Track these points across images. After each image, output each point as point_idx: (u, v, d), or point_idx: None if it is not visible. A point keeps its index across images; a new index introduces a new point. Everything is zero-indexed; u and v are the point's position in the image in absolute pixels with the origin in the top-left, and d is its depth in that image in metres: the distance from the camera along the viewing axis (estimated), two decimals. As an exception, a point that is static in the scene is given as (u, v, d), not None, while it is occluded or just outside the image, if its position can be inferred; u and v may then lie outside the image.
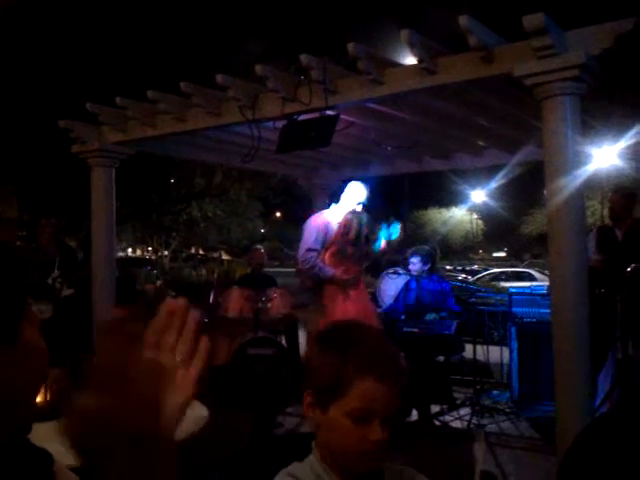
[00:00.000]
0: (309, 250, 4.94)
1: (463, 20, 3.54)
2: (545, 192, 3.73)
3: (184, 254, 26.62)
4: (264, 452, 1.73)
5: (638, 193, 5.56)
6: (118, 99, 5.25)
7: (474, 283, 15.28)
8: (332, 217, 5.06)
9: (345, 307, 4.84)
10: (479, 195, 32.89)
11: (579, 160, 3.62)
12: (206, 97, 4.82)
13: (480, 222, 39.73)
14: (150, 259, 24.14)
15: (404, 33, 3.78)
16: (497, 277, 21.13)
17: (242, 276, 7.76)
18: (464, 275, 21.84)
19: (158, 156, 8.63)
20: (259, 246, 7.90)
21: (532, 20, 3.44)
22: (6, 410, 0.67)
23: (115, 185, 5.78)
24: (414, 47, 3.85)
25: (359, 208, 5.09)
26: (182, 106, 5.02)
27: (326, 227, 4.98)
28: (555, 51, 3.47)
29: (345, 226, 4.98)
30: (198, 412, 2.36)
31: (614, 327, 4.94)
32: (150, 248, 32.60)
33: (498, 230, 38.74)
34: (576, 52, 3.46)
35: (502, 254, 45.65)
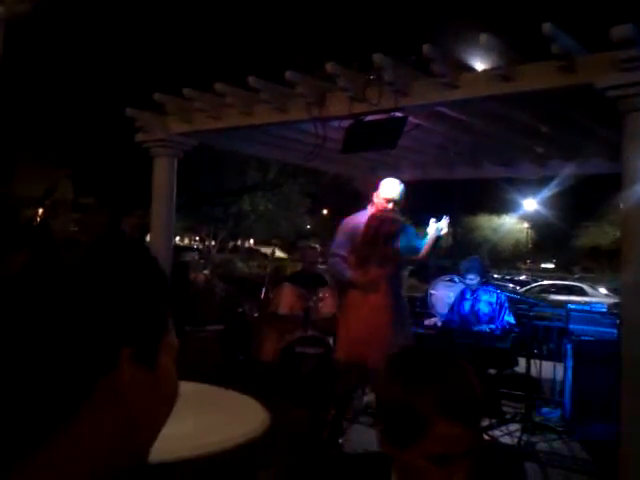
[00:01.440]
0: (333, 255, 4.90)
1: (547, 27, 3.43)
2: (621, 206, 3.59)
3: (230, 245, 26.85)
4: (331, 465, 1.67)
5: None
6: (185, 90, 5.28)
7: (525, 294, 14.98)
8: (363, 219, 4.86)
9: (360, 314, 4.65)
10: (531, 204, 32.30)
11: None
12: (273, 93, 4.80)
13: (530, 231, 39.02)
14: (198, 248, 24.41)
15: (483, 37, 3.69)
16: (546, 289, 20.68)
17: (293, 273, 7.75)
18: (512, 285, 21.46)
19: (217, 148, 8.69)
20: (314, 245, 7.87)
21: (620, 31, 3.32)
22: (139, 436, 0.63)
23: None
24: (492, 52, 3.76)
25: (390, 207, 4.81)
26: (249, 100, 5.00)
27: (353, 230, 4.83)
28: (642, 63, 3.34)
29: (368, 227, 4.72)
30: (259, 416, 2.31)
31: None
32: (198, 237, 33.02)
33: (548, 241, 37.98)
34: (665, 65, 3.32)
35: (550, 265, 44.73)
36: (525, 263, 43.63)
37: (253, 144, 6.19)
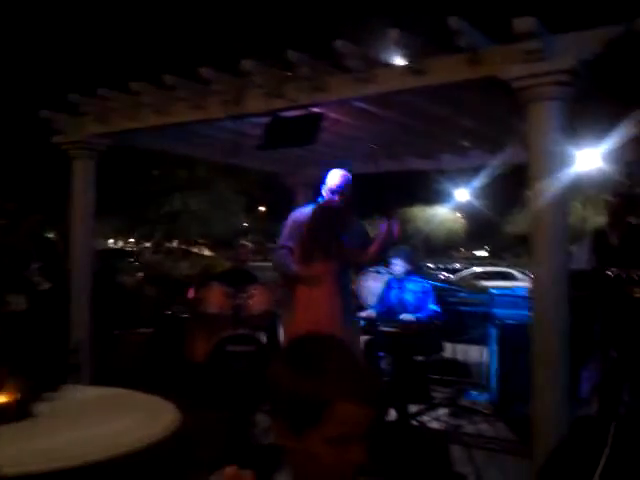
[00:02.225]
0: (280, 247, 4.71)
1: (453, 21, 3.51)
2: (528, 194, 3.71)
3: (166, 247, 26.44)
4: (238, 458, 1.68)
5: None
6: (100, 90, 5.18)
7: (456, 282, 15.33)
8: (309, 211, 4.66)
9: (306, 310, 4.47)
10: (463, 194, 32.97)
11: (563, 164, 3.61)
12: (190, 90, 4.76)
13: (463, 221, 39.86)
14: (131, 251, 23.93)
15: (393, 33, 3.75)
16: (479, 276, 21.21)
17: (222, 271, 7.70)
18: (445, 274, 21.92)
19: (138, 148, 8.55)
20: (245, 242, 7.84)
21: (522, 23, 3.43)
22: None
23: (97, 176, 5.70)
24: (402, 47, 3.83)
25: (336, 198, 4.61)
26: (165, 99, 4.95)
27: (299, 222, 4.64)
28: (544, 55, 3.46)
29: (312, 218, 4.54)
30: (167, 417, 2.30)
31: (596, 330, 4.95)
32: (132, 240, 32.34)
33: (481, 229, 38.89)
34: (565, 57, 3.44)
35: (484, 253, 45.87)
36: (459, 252, 44.59)
37: (174, 142, 6.12)
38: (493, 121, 5.36)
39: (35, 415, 2.71)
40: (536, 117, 3.55)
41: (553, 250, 3.51)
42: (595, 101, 4.90)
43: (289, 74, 4.40)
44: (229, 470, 0.98)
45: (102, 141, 5.60)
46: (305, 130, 4.55)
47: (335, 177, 4.65)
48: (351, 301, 4.77)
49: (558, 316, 3.48)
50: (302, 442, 1.22)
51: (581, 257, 5.01)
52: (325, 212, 4.54)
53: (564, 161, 3.65)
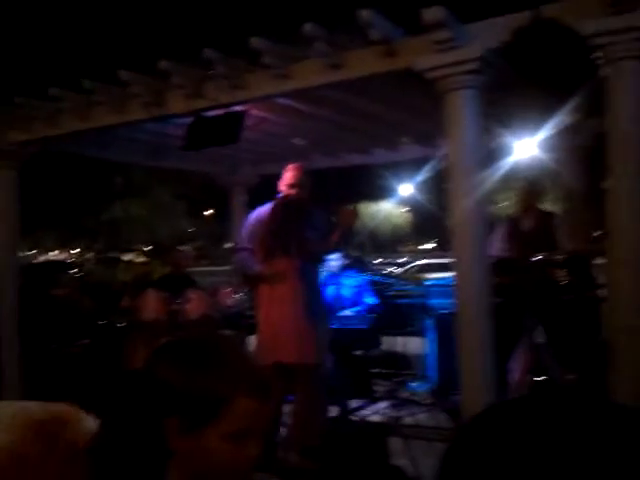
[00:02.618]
0: (239, 249, 4.63)
1: (364, 14, 3.52)
2: (449, 185, 3.75)
3: (109, 257, 25.99)
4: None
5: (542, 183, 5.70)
6: (18, 98, 5.02)
7: (401, 276, 15.46)
8: (268, 209, 4.60)
9: (269, 308, 4.42)
10: (407, 189, 33.31)
11: (482, 152, 3.66)
12: (109, 94, 4.66)
13: (408, 215, 40.32)
14: (73, 262, 23.39)
15: (307, 27, 3.74)
16: (423, 269, 21.43)
17: (160, 277, 7.57)
18: (391, 268, 22.10)
19: (75, 156, 8.35)
20: (183, 248, 7.72)
21: (431, 13, 3.45)
22: None
23: (27, 188, 5.53)
24: (318, 41, 3.82)
25: (294, 192, 4.51)
26: (85, 103, 4.83)
27: (257, 221, 4.55)
28: (454, 44, 3.50)
29: (271, 214, 4.48)
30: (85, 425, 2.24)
31: (523, 316, 5.06)
32: (76, 251, 31.65)
33: (426, 223, 39.39)
34: (474, 45, 3.49)
35: (431, 246, 46.47)
36: (407, 246, 45.08)
37: (99, 147, 5.98)
38: (419, 114, 5.40)
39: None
40: (451, 107, 3.60)
41: (472, 239, 3.56)
42: (522, 89, 5.00)
43: (208, 73, 4.34)
44: None
45: (23, 150, 5.43)
46: (228, 129, 4.50)
47: (291, 171, 4.58)
48: (318, 298, 4.62)
49: (480, 304, 3.53)
50: (197, 440, 1.20)
51: (495, 245, 5.11)
52: (283, 207, 4.49)
53: (482, 149, 3.70)
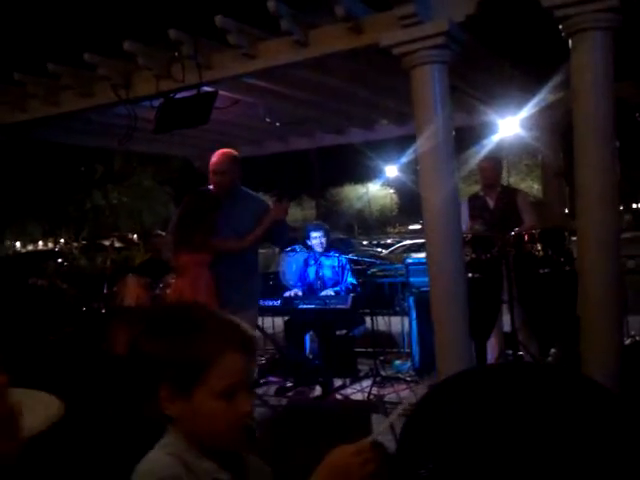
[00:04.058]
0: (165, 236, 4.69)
1: (329, -11, 3.48)
2: (418, 164, 3.74)
3: (92, 243, 25.88)
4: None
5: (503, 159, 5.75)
6: (-18, 83, 4.95)
7: (386, 257, 15.49)
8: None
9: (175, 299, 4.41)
10: (392, 170, 33.31)
11: (448, 126, 3.64)
12: (76, 77, 4.60)
13: (395, 196, 40.36)
14: (59, 251, 23.26)
15: (271, 4, 3.69)
16: (409, 249, 21.47)
17: (140, 263, 7.56)
18: (379, 249, 22.13)
19: (53, 144, 8.27)
20: (161, 232, 7.69)
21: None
22: None
23: (8, 178, 5.48)
24: (283, 19, 3.77)
25: (217, 179, 4.36)
26: (52, 88, 4.76)
27: (176, 211, 4.57)
28: (419, 19, 3.47)
29: (180, 207, 4.42)
30: (51, 410, 2.23)
31: (500, 290, 5.07)
32: (62, 240, 31.47)
33: (412, 204, 39.42)
34: (440, 20, 3.47)
35: (418, 226, 46.54)
36: (395, 227, 45.17)
37: (68, 133, 5.92)
38: (391, 93, 5.38)
39: None
40: (418, 82, 3.58)
41: (444, 216, 3.56)
42: (492, 63, 4.98)
43: (175, 54, 4.28)
44: None
45: (-9, 136, 5.37)
46: (198, 110, 4.46)
47: (215, 157, 4.44)
48: (237, 291, 4.30)
49: (453, 280, 3.54)
50: (189, 403, 1.26)
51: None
52: (191, 201, 4.41)
53: (450, 123, 3.68)
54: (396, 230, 43.25)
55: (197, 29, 4.26)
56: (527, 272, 5.06)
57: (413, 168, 32.37)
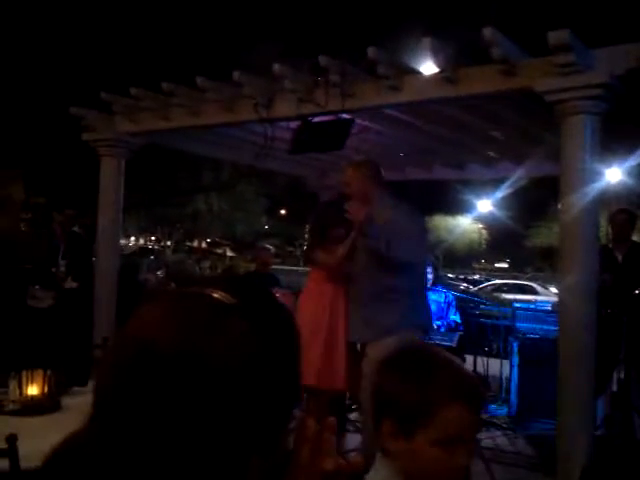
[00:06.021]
0: None
1: (487, 32, 3.50)
2: (559, 207, 3.69)
3: (187, 246, 26.65)
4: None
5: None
6: (132, 89, 5.21)
7: (477, 294, 15.21)
8: None
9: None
10: (485, 205, 32.74)
11: (595, 178, 3.58)
12: (221, 93, 4.78)
13: (485, 232, 39.62)
14: (153, 249, 24.12)
15: (426, 41, 3.74)
16: (499, 288, 21.06)
17: (246, 274, 7.74)
18: (465, 284, 21.78)
19: (167, 148, 8.63)
20: (268, 246, 7.84)
21: (557, 36, 3.40)
22: None
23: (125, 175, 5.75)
24: (435, 56, 3.82)
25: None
26: (196, 100, 4.97)
27: None
28: (578, 68, 3.43)
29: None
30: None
31: (619, 348, 4.90)
32: (153, 238, 32.62)
33: (502, 241, 38.64)
34: (600, 71, 3.42)
35: (504, 265, 45.53)
36: (479, 263, 44.33)
37: (203, 144, 6.15)
38: (522, 133, 5.32)
39: (64, 408, 2.78)
40: (570, 131, 3.53)
41: (583, 265, 3.47)
42: (625, 116, 4.86)
43: (319, 79, 4.40)
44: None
45: (131, 140, 5.64)
46: (334, 136, 4.56)
47: (344, 169, 4.36)
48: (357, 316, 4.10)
49: (586, 333, 3.44)
50: (410, 443, 1.28)
51: None
52: (315, 214, 4.61)
53: (595, 175, 3.62)
54: (481, 266, 42.44)
55: (342, 55, 4.36)
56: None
57: (509, 204, 31.79)
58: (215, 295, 0.68)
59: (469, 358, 6.24)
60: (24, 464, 1.96)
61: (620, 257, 5.25)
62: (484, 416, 5.83)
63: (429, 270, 6.05)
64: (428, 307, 4.33)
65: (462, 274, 29.57)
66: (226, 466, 0.63)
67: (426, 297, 4.36)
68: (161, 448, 0.61)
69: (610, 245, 5.44)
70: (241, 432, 0.63)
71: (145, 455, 0.61)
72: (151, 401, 0.62)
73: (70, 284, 5.62)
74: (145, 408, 0.61)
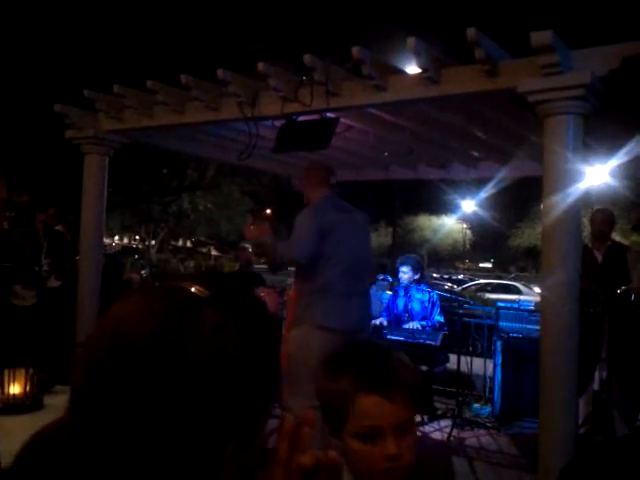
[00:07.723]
0: None
1: (471, 32, 3.51)
2: (541, 208, 3.71)
3: (171, 245, 26.53)
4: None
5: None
6: (116, 87, 5.18)
7: (461, 294, 15.30)
8: None
9: None
10: (469, 205, 32.92)
11: (577, 179, 3.60)
12: (205, 91, 4.76)
13: (469, 232, 39.84)
14: (137, 248, 23.98)
15: (410, 41, 3.74)
16: (483, 288, 21.18)
17: (229, 273, 7.72)
18: (450, 284, 21.89)
19: (151, 146, 8.59)
20: (247, 245, 7.85)
21: (540, 37, 3.42)
22: None
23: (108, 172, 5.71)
24: (419, 56, 3.82)
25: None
26: (181, 98, 4.95)
27: None
28: (561, 69, 3.45)
29: None
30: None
31: (600, 348, 4.94)
32: (137, 237, 32.39)
33: (486, 241, 38.86)
34: (582, 72, 3.44)
35: (488, 265, 45.80)
36: (463, 263, 44.54)
37: (187, 142, 6.12)
38: (506, 133, 5.35)
39: (47, 407, 2.76)
40: (552, 131, 3.55)
41: (565, 264, 3.50)
42: (607, 116, 4.90)
43: (304, 78, 4.39)
44: None
45: (115, 138, 5.61)
46: (319, 135, 4.56)
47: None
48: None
49: (568, 332, 3.46)
50: (342, 441, 1.28)
51: None
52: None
53: (578, 176, 3.64)
54: (465, 266, 42.64)
55: (327, 55, 4.35)
56: (630, 332, 4.92)
57: (492, 204, 31.97)
58: (189, 288, 0.68)
59: (453, 357, 6.27)
60: (5, 463, 1.95)
61: (600, 257, 5.30)
62: (467, 415, 5.87)
63: (407, 269, 6.07)
64: (338, 306, 4.03)
65: (446, 274, 29.72)
66: (202, 457, 0.63)
67: (338, 296, 4.02)
68: (136, 439, 0.61)
69: (590, 245, 5.48)
70: (216, 421, 0.64)
71: (120, 446, 0.61)
72: (126, 393, 0.62)
73: (53, 283, 5.58)
74: (120, 400, 0.62)
